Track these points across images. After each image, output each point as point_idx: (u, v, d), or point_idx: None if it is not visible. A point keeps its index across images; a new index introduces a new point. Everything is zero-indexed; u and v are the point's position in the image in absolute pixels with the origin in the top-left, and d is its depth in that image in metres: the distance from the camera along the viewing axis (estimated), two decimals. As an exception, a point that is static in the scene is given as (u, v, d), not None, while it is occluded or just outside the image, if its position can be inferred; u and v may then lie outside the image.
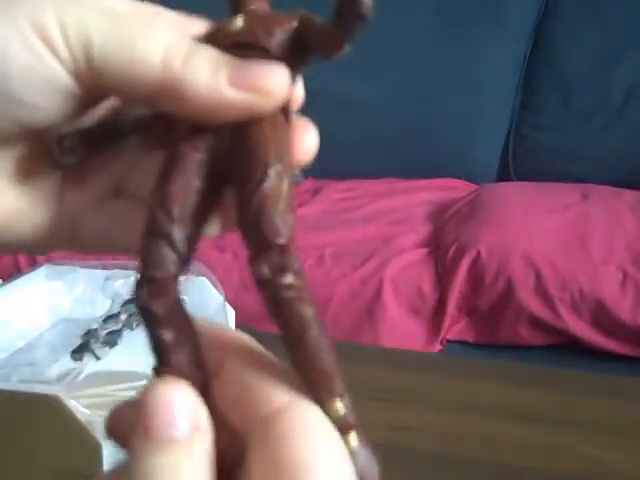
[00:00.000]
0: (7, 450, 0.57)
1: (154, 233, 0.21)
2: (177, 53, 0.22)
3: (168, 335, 0.21)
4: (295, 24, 0.23)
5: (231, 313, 0.75)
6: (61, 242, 0.28)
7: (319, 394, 0.21)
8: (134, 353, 0.65)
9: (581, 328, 1.33)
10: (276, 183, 0.21)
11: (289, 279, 0.21)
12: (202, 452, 0.21)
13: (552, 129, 1.92)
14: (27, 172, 0.26)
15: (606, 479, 0.61)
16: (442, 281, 1.41)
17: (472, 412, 0.70)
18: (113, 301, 0.76)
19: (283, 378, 0.22)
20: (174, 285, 0.22)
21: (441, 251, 1.46)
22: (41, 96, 0.23)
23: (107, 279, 0.79)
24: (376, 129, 1.99)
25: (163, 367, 0.22)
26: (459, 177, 1.94)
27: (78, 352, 0.69)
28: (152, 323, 0.21)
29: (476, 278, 1.38)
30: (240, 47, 0.23)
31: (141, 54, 0.22)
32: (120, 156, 0.28)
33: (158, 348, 0.22)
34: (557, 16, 1.94)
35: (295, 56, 0.23)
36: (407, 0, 2.02)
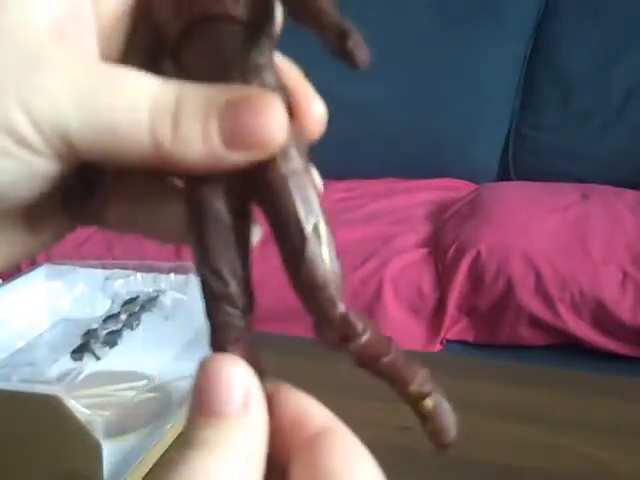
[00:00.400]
0: (7, 450, 0.57)
1: (215, 299, 0.22)
2: (163, 122, 0.21)
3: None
4: None
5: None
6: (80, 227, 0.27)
7: (402, 384, 0.23)
8: (134, 353, 0.65)
9: (581, 328, 1.33)
10: (316, 246, 0.21)
11: (357, 344, 0.22)
12: (254, 430, 0.21)
13: (552, 129, 1.92)
14: (34, 222, 0.25)
15: (606, 479, 0.61)
16: (442, 281, 1.41)
17: (472, 412, 0.70)
18: (113, 301, 0.76)
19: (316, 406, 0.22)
20: (246, 332, 0.22)
21: (441, 251, 1.46)
22: (21, 182, 0.22)
23: (107, 279, 0.79)
24: (376, 129, 1.99)
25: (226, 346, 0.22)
26: (459, 177, 1.94)
27: (78, 352, 0.69)
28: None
29: (476, 278, 1.38)
30: (210, 20, 0.22)
31: (126, 133, 0.21)
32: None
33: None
34: (557, 16, 1.94)
35: (267, 13, 0.22)
36: (407, 0, 2.02)
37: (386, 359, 0.23)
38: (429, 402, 0.23)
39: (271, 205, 0.22)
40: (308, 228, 0.21)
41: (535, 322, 1.35)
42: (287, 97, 0.23)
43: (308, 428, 0.22)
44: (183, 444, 0.20)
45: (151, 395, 0.63)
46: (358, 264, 1.45)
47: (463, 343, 1.41)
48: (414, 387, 0.23)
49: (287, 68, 0.23)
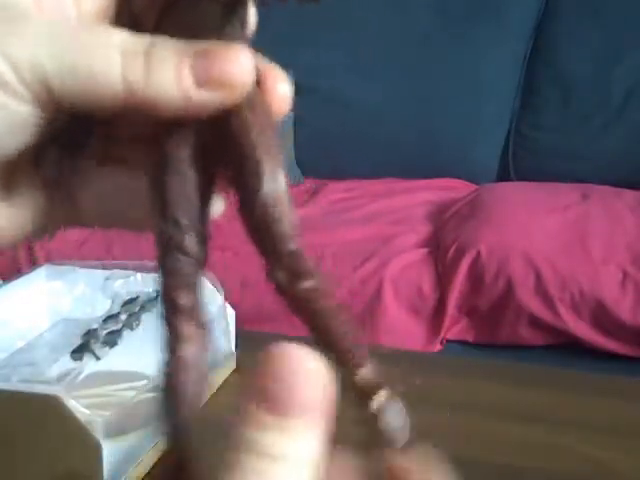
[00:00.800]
0: (7, 450, 0.57)
1: (168, 246, 0.22)
2: (135, 65, 0.22)
3: (186, 328, 0.22)
4: None
5: (231, 313, 0.75)
6: (60, 223, 0.28)
7: (347, 368, 0.22)
8: (134, 353, 0.65)
9: (581, 328, 1.33)
10: (273, 187, 0.21)
11: (306, 284, 0.22)
12: (319, 441, 0.19)
13: (552, 129, 1.92)
14: (10, 187, 0.25)
15: (606, 479, 0.61)
16: (442, 281, 1.41)
17: (472, 412, 0.70)
18: (113, 301, 0.76)
19: None
20: (196, 284, 0.23)
21: (441, 251, 1.46)
22: (4, 129, 0.22)
23: (107, 279, 0.79)
24: (376, 129, 1.99)
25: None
26: (459, 177, 1.95)
27: (78, 352, 0.69)
28: (174, 315, 0.22)
29: (476, 278, 1.38)
30: None
31: (99, 76, 0.22)
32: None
33: (173, 339, 0.22)
34: (557, 16, 1.94)
35: None
36: (407, 0, 2.02)
37: (336, 322, 0.22)
38: (381, 396, 0.22)
39: (233, 151, 0.22)
40: (266, 169, 0.21)
41: (535, 322, 1.36)
42: (256, 75, 0.23)
43: None
44: (244, 444, 0.19)
45: (151, 395, 0.63)
46: (358, 264, 1.45)
47: (463, 343, 1.41)
48: (366, 372, 0.22)
49: (257, 58, 0.24)
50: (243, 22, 0.24)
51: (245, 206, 0.22)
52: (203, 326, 0.23)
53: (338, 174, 1.98)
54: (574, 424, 0.68)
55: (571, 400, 0.72)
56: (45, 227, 0.27)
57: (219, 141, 0.22)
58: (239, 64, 0.22)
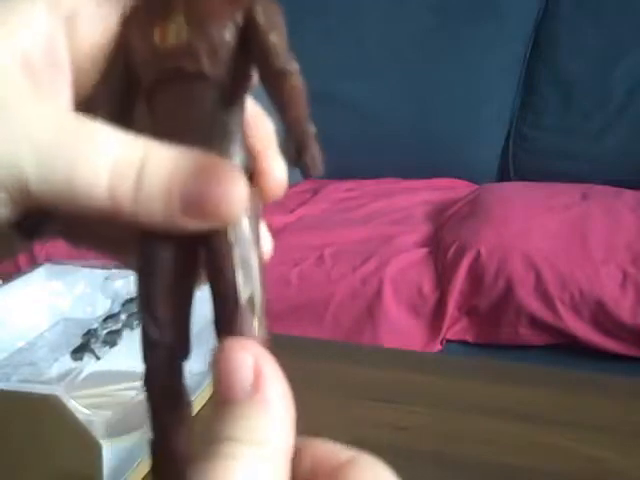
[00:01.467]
0: (7, 450, 0.57)
1: (149, 343, 0.24)
2: (124, 185, 0.21)
3: (168, 417, 0.24)
4: (239, 20, 0.22)
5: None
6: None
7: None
8: (134, 353, 0.64)
9: (581, 328, 1.33)
10: (248, 315, 0.22)
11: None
12: (268, 413, 0.20)
13: (552, 129, 1.92)
14: None
15: (606, 479, 0.61)
16: (442, 281, 1.41)
17: (472, 412, 0.70)
18: (113, 301, 0.76)
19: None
20: (177, 375, 0.24)
21: (441, 251, 1.46)
22: None
23: (107, 279, 0.79)
24: (376, 129, 2.00)
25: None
26: (459, 177, 1.95)
27: (78, 352, 0.69)
28: (157, 406, 0.24)
29: (476, 278, 1.38)
30: (184, 77, 0.22)
31: (83, 190, 0.21)
32: None
33: (158, 427, 0.24)
34: (557, 16, 1.94)
35: (244, 78, 0.23)
36: (407, 0, 2.02)
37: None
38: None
39: (213, 268, 0.23)
40: (243, 298, 0.22)
41: (535, 322, 1.35)
42: (251, 161, 0.23)
43: (334, 459, 0.21)
44: (210, 437, 0.20)
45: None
46: (358, 264, 1.45)
47: (463, 343, 1.41)
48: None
49: (259, 122, 0.24)
50: (240, 106, 0.23)
51: (221, 326, 0.23)
52: (186, 411, 0.25)
53: (338, 174, 1.98)
54: (574, 424, 0.68)
55: (571, 400, 0.72)
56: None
57: (202, 245, 0.23)
58: (231, 194, 0.21)
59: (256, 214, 0.23)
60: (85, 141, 0.21)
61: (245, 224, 0.22)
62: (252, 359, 0.20)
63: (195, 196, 0.21)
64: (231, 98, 0.23)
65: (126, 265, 0.28)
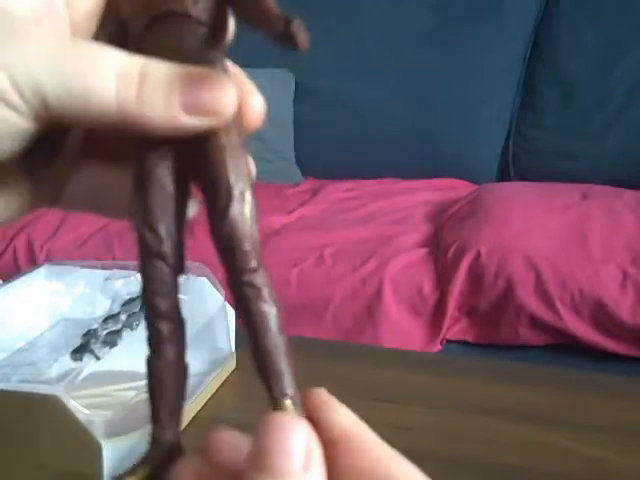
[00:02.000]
0: (7, 450, 0.57)
1: (148, 254, 0.25)
2: (129, 87, 0.23)
3: (165, 329, 0.25)
4: None
5: (231, 313, 0.75)
6: (43, 206, 0.29)
7: (271, 392, 0.24)
8: (134, 353, 0.64)
9: (581, 328, 1.33)
10: (240, 207, 0.23)
11: (260, 304, 0.24)
12: None
13: (552, 129, 1.92)
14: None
15: (606, 479, 0.61)
16: (442, 281, 1.41)
17: (472, 412, 0.70)
18: (113, 301, 0.76)
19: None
20: (174, 289, 0.25)
21: (441, 251, 1.46)
22: (1, 138, 0.24)
23: (107, 279, 0.79)
24: (376, 129, 2.00)
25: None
26: (459, 177, 1.95)
27: (78, 352, 0.69)
28: (154, 317, 0.25)
29: (476, 278, 1.38)
30: (172, 17, 0.25)
31: (94, 96, 0.23)
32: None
33: (155, 339, 0.25)
34: (557, 16, 1.94)
35: (222, 16, 0.25)
36: (407, 0, 2.02)
37: (269, 335, 0.24)
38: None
39: (207, 171, 0.24)
40: (236, 191, 0.23)
41: (535, 322, 1.36)
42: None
43: (327, 432, 0.23)
44: None
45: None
46: (358, 264, 1.45)
47: (463, 343, 1.41)
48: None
49: (233, 70, 0.26)
50: (220, 43, 0.25)
51: (214, 223, 0.24)
52: (181, 327, 0.25)
53: (338, 174, 1.98)
54: (574, 424, 0.68)
55: (571, 400, 0.72)
56: (25, 212, 0.29)
57: (195, 157, 0.24)
58: (225, 94, 0.23)
59: (242, 133, 0.25)
60: (92, 53, 0.24)
61: (234, 133, 0.24)
62: (306, 437, 0.22)
63: (193, 93, 0.23)
64: (214, 38, 0.25)
65: (118, 216, 0.29)
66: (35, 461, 0.57)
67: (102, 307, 0.77)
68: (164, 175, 0.25)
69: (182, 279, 0.25)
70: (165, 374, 0.25)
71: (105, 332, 0.71)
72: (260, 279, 0.24)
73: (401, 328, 1.39)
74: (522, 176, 1.91)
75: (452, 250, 1.42)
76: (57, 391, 0.54)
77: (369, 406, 0.66)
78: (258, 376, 0.24)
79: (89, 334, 0.71)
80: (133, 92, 0.23)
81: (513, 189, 1.72)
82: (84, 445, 0.54)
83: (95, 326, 0.72)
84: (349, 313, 1.40)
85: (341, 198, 1.84)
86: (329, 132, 2.01)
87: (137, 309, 0.74)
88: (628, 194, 1.63)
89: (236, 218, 0.23)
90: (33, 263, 1.54)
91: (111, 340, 0.70)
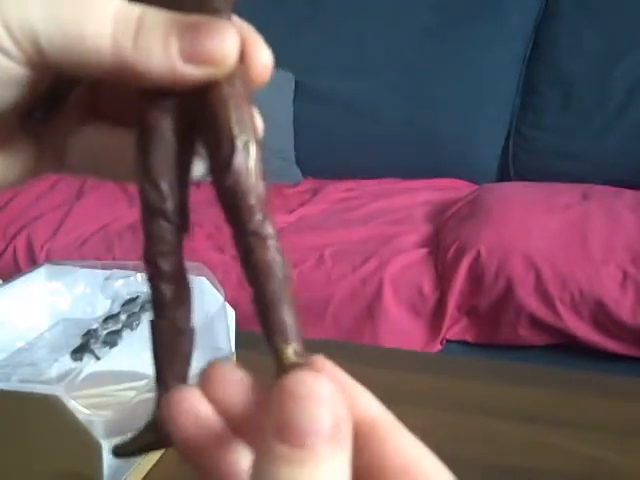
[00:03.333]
0: (7, 450, 0.57)
1: (150, 211, 0.23)
2: (126, 32, 0.22)
3: (169, 291, 0.24)
4: None
5: (231, 313, 0.75)
6: (47, 170, 0.28)
7: (272, 341, 0.22)
8: (134, 353, 0.64)
9: (581, 328, 1.33)
10: (243, 158, 0.22)
11: (260, 253, 0.23)
12: (343, 463, 0.19)
13: (552, 129, 1.92)
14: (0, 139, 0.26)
15: (606, 479, 0.61)
16: (442, 281, 1.41)
17: (472, 412, 0.70)
18: (113, 301, 0.76)
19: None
20: (178, 249, 0.24)
21: (441, 251, 1.46)
22: None
23: (107, 279, 0.79)
24: (376, 129, 2.00)
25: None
26: (459, 177, 1.95)
27: (78, 352, 0.69)
28: (157, 278, 0.24)
29: (476, 278, 1.38)
30: None
31: (90, 41, 0.22)
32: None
33: (158, 301, 0.24)
34: (557, 16, 1.94)
35: None
36: (407, 0, 2.02)
37: (284, 291, 0.23)
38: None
39: (209, 123, 0.23)
40: (239, 142, 0.22)
41: (535, 322, 1.36)
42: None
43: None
44: (262, 475, 0.19)
45: (151, 395, 0.63)
46: (358, 264, 1.45)
47: (463, 343, 1.41)
48: (291, 352, 0.22)
49: (240, 24, 0.25)
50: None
51: (217, 175, 0.22)
52: (186, 289, 0.24)
53: (338, 174, 1.98)
54: (574, 424, 0.68)
55: (571, 400, 0.72)
56: (31, 175, 0.28)
57: (198, 111, 0.23)
58: (225, 41, 0.22)
59: (248, 86, 0.24)
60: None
61: (239, 84, 0.23)
62: (332, 401, 0.19)
63: (192, 40, 0.22)
64: None
65: (122, 179, 0.28)
66: (35, 461, 0.57)
67: (102, 307, 0.77)
68: (166, 130, 0.24)
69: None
70: (169, 337, 0.24)
71: (105, 332, 0.71)
72: (266, 230, 0.22)
73: (401, 328, 1.39)
74: (522, 176, 1.91)
75: (452, 250, 1.42)
76: (57, 391, 0.54)
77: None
78: (261, 330, 0.22)
79: (89, 334, 0.71)
80: (130, 39, 0.22)
81: (513, 189, 1.72)
82: (84, 445, 0.54)
83: (95, 326, 0.72)
84: (349, 313, 1.40)
85: (341, 198, 1.84)
86: (329, 132, 2.01)
87: (137, 309, 0.74)
88: (628, 194, 1.63)
89: (239, 170, 0.22)
90: (33, 263, 1.53)
91: (111, 340, 0.70)
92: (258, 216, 0.22)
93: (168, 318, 0.24)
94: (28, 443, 0.56)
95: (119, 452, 0.25)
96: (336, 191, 1.89)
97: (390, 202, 1.77)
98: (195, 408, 0.22)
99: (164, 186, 0.23)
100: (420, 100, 1.97)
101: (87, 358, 0.69)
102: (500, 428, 0.67)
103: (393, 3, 2.03)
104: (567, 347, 1.36)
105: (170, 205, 0.23)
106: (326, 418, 0.19)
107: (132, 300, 0.75)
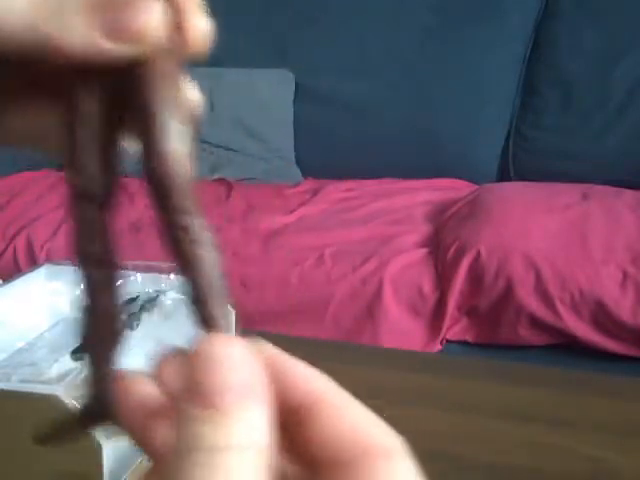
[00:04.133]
0: (7, 450, 0.57)
1: (73, 196, 0.23)
2: (46, 8, 0.21)
3: (95, 274, 0.24)
4: None
5: (231, 313, 0.75)
6: None
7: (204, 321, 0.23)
8: (134, 353, 0.64)
9: (581, 328, 1.33)
10: (171, 142, 0.21)
11: (193, 245, 0.22)
12: (259, 422, 0.19)
13: (552, 129, 1.92)
14: None
15: (606, 479, 0.61)
16: (442, 281, 1.41)
17: (472, 412, 0.70)
18: (113, 301, 0.76)
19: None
20: (104, 232, 0.24)
21: (441, 251, 1.46)
22: None
23: (107, 279, 0.79)
24: (376, 129, 2.00)
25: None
26: (459, 177, 1.95)
27: (78, 352, 0.69)
28: (84, 262, 0.24)
29: (476, 278, 1.38)
30: None
31: (8, 15, 0.21)
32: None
33: (85, 285, 0.24)
34: (557, 16, 1.94)
35: None
36: (407, 1, 2.02)
37: (211, 276, 0.23)
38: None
39: (137, 104, 0.22)
40: (166, 125, 0.22)
41: (535, 322, 1.35)
42: (174, 13, 0.23)
43: (292, 396, 0.21)
44: (184, 443, 0.19)
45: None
46: (358, 264, 1.45)
47: (463, 343, 1.41)
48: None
49: None
50: None
51: (145, 159, 0.22)
52: (113, 272, 0.25)
53: (338, 174, 1.98)
54: (574, 424, 0.68)
55: (571, 400, 0.72)
56: None
57: (125, 91, 0.22)
58: (147, 17, 0.21)
59: (180, 65, 0.23)
60: None
61: (170, 64, 0.22)
62: (244, 361, 0.20)
63: (113, 16, 0.21)
64: None
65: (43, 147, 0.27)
66: (35, 461, 0.57)
67: (102, 307, 0.77)
68: (90, 110, 0.23)
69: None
70: (96, 320, 0.24)
71: (105, 332, 0.71)
72: (194, 221, 0.22)
73: (401, 328, 1.39)
74: (522, 176, 1.91)
75: (452, 250, 1.42)
76: (57, 391, 0.54)
77: (369, 406, 0.65)
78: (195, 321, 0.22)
79: (89, 334, 0.71)
80: (50, 13, 0.21)
81: (513, 189, 1.72)
82: (84, 445, 0.54)
83: (95, 326, 0.72)
84: (349, 313, 1.40)
85: (341, 198, 1.84)
86: (329, 132, 2.01)
87: (137, 309, 0.74)
88: (628, 194, 1.63)
89: (166, 154, 0.21)
90: (33, 263, 1.53)
91: (111, 340, 0.70)
92: (186, 204, 0.22)
93: (96, 301, 0.24)
94: (28, 443, 0.56)
95: (42, 440, 0.26)
96: (336, 191, 1.89)
97: (390, 202, 1.77)
98: (141, 389, 0.22)
99: (86, 169, 0.23)
100: (420, 100, 1.97)
101: (87, 358, 0.69)
102: (500, 428, 0.67)
103: (393, 4, 2.03)
104: (567, 347, 1.36)
105: (93, 187, 0.23)
106: (235, 377, 0.19)
107: (132, 300, 0.75)
